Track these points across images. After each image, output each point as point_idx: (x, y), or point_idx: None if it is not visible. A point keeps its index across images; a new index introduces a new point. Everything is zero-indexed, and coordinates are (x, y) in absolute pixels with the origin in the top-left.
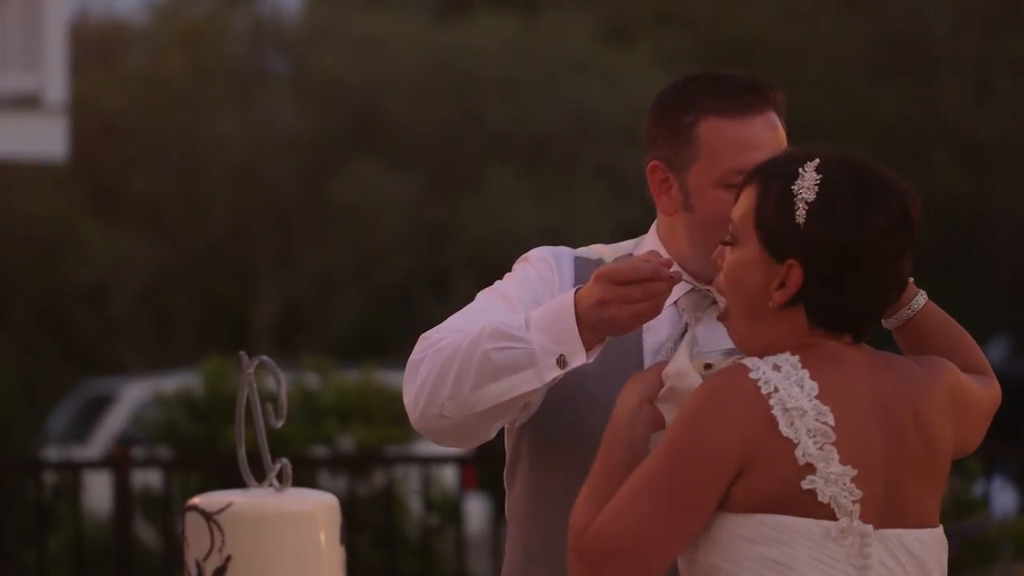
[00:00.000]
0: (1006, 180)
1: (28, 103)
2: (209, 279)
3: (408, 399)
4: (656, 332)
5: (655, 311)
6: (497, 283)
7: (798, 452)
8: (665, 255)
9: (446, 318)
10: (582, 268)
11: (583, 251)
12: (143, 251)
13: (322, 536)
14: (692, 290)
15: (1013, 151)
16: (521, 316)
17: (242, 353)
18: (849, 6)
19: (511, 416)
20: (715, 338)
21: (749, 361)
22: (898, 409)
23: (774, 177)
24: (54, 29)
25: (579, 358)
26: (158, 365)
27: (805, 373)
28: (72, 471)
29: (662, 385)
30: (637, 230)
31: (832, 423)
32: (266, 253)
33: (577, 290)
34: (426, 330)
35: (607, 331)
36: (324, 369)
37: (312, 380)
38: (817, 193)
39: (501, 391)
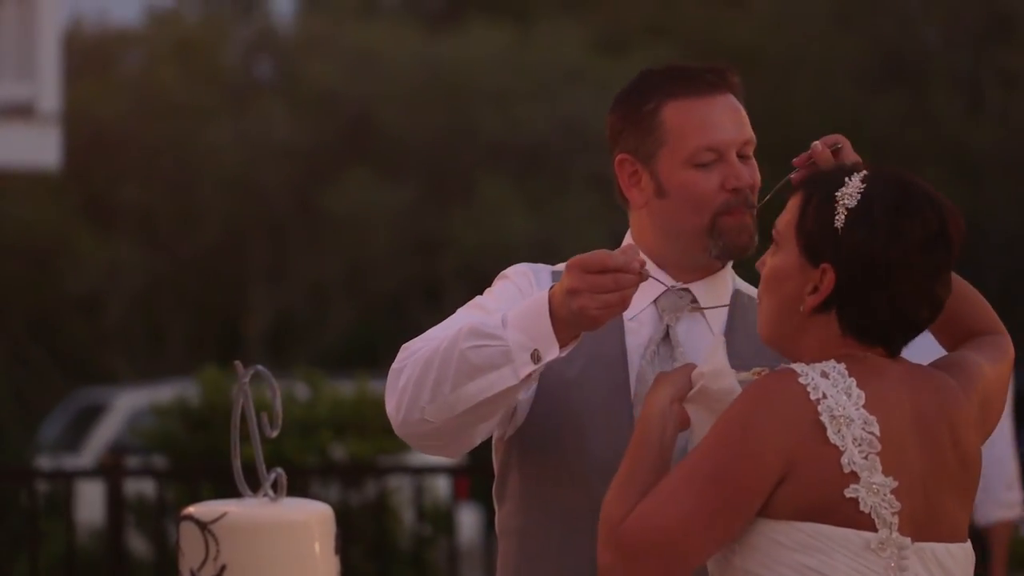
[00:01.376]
0: (998, 191)
1: (22, 112)
2: (202, 289)
3: (390, 406)
4: (637, 335)
5: (623, 303)
6: (477, 298)
7: (844, 460)
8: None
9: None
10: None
11: (561, 266)
12: (136, 260)
13: (316, 546)
14: (670, 289)
15: (1005, 163)
16: (498, 316)
17: (237, 363)
18: (842, 19)
19: (492, 420)
20: (695, 337)
21: (798, 366)
22: (936, 423)
23: (820, 184)
24: (48, 38)
25: (552, 351)
26: (150, 375)
27: (852, 381)
28: (64, 480)
29: (691, 386)
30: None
31: (878, 433)
32: (259, 263)
33: (552, 287)
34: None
35: (579, 323)
36: (315, 380)
37: (303, 391)
38: (859, 201)
39: (479, 390)
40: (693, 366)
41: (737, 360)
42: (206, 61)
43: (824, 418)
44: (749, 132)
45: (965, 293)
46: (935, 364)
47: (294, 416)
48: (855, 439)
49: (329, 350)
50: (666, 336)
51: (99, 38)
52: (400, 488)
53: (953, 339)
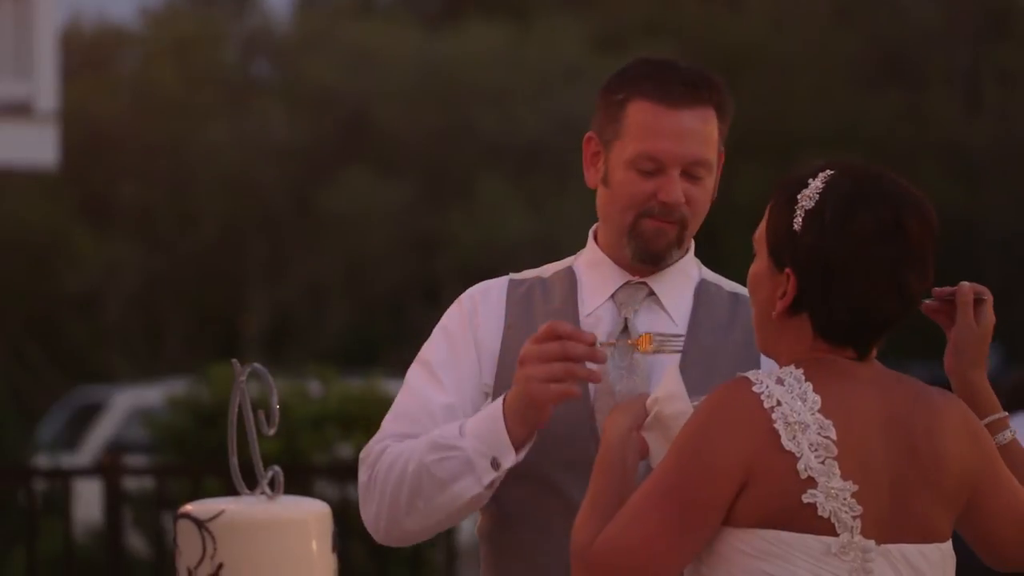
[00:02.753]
0: (995, 191)
1: (19, 111)
2: (200, 287)
3: (368, 522)
4: (595, 329)
5: (568, 375)
6: (423, 348)
7: (800, 466)
8: (595, 252)
9: (435, 325)
10: (513, 291)
11: (520, 274)
12: (134, 259)
13: (314, 544)
14: (627, 283)
15: (1002, 162)
16: (456, 424)
17: (234, 361)
18: (839, 17)
19: (474, 510)
20: (656, 329)
21: (753, 374)
22: (908, 424)
23: (785, 187)
24: (45, 37)
25: (509, 458)
26: (148, 373)
27: (809, 386)
28: (62, 479)
29: (646, 414)
30: None
31: (834, 437)
32: (257, 261)
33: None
34: (417, 338)
35: (527, 403)
36: (328, 376)
37: (315, 388)
38: (815, 203)
39: (449, 500)
40: (647, 395)
41: (704, 350)
42: (204, 60)
43: (778, 425)
44: (702, 153)
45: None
46: None
47: (308, 412)
48: (811, 444)
49: (327, 348)
50: (624, 329)
51: (97, 37)
52: None
53: None
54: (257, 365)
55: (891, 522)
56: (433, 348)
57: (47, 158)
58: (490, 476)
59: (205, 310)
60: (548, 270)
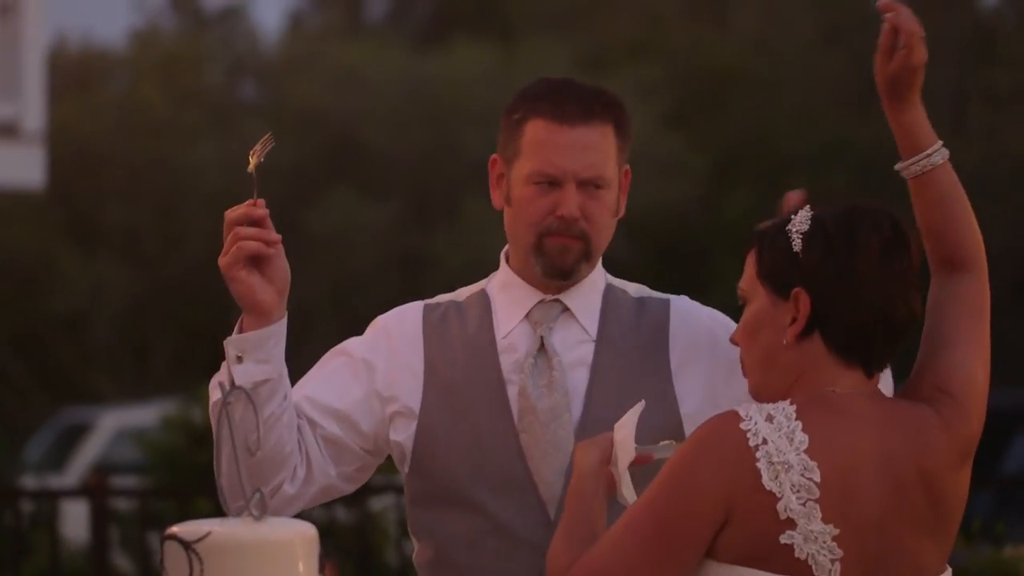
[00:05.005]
0: (983, 211)
1: (6, 132)
2: (186, 308)
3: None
4: (514, 352)
5: (240, 252)
6: (311, 371)
7: (780, 506)
8: (507, 274)
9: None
10: (429, 314)
11: (435, 299)
12: (120, 279)
13: (300, 566)
14: (541, 301)
15: (989, 182)
16: None
17: (221, 382)
18: (825, 38)
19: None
20: (569, 346)
21: (743, 408)
22: (902, 465)
23: (769, 228)
24: (32, 58)
25: (236, 343)
26: (135, 394)
27: (798, 425)
28: (49, 499)
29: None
30: (615, 259)
31: (818, 479)
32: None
33: None
34: None
35: (235, 295)
36: None
37: None
38: (810, 224)
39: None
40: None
41: (615, 353)
42: (190, 81)
43: (761, 464)
44: (597, 168)
45: (955, 214)
46: (920, 382)
47: None
48: (793, 485)
49: (312, 366)
50: (541, 347)
51: (83, 58)
52: (387, 506)
53: (933, 254)
54: (243, 387)
55: (878, 564)
56: (312, 375)
57: (34, 179)
58: (235, 368)
59: (191, 330)
60: (462, 294)
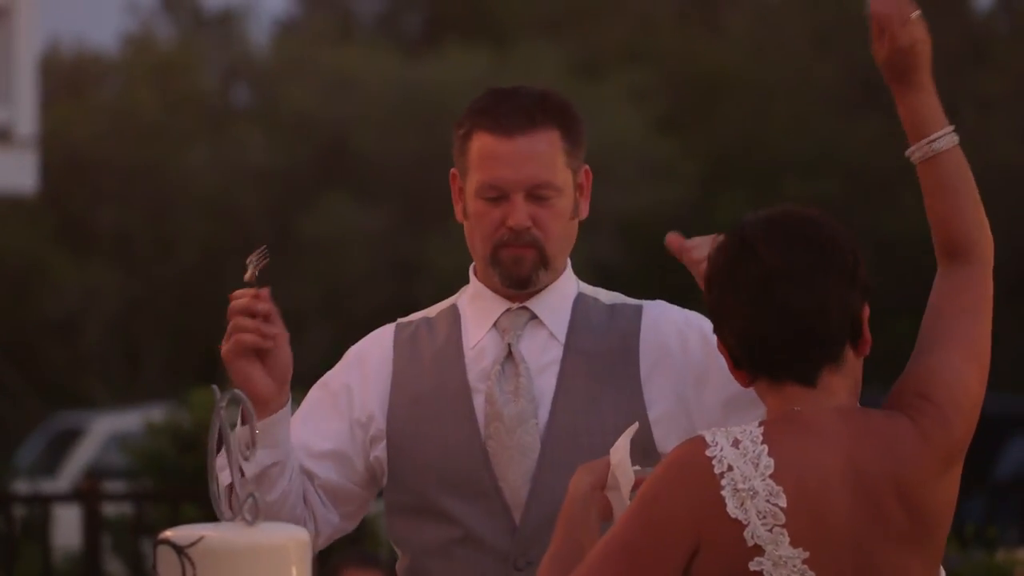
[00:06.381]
0: None
1: None
2: (178, 312)
3: None
4: (481, 360)
5: (239, 345)
6: (304, 403)
7: (747, 534)
8: (475, 285)
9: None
10: (400, 333)
11: (408, 317)
12: (112, 284)
13: (293, 570)
14: (508, 310)
15: (981, 188)
16: None
17: (214, 387)
18: (818, 44)
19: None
20: (537, 353)
21: (709, 434)
22: (875, 480)
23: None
24: (25, 63)
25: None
26: (127, 398)
27: (763, 449)
28: (41, 504)
29: (607, 474)
30: (608, 264)
31: (783, 504)
32: (236, 286)
33: None
34: None
35: (236, 381)
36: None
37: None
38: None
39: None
40: (610, 456)
41: (583, 359)
42: (183, 85)
43: (726, 492)
44: (543, 176)
45: (961, 204)
46: (904, 388)
47: None
48: (759, 512)
49: (306, 373)
50: (509, 355)
51: (76, 62)
52: (379, 514)
53: (937, 241)
54: (237, 391)
55: None
56: (304, 409)
57: (26, 183)
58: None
59: (184, 335)
60: (434, 310)
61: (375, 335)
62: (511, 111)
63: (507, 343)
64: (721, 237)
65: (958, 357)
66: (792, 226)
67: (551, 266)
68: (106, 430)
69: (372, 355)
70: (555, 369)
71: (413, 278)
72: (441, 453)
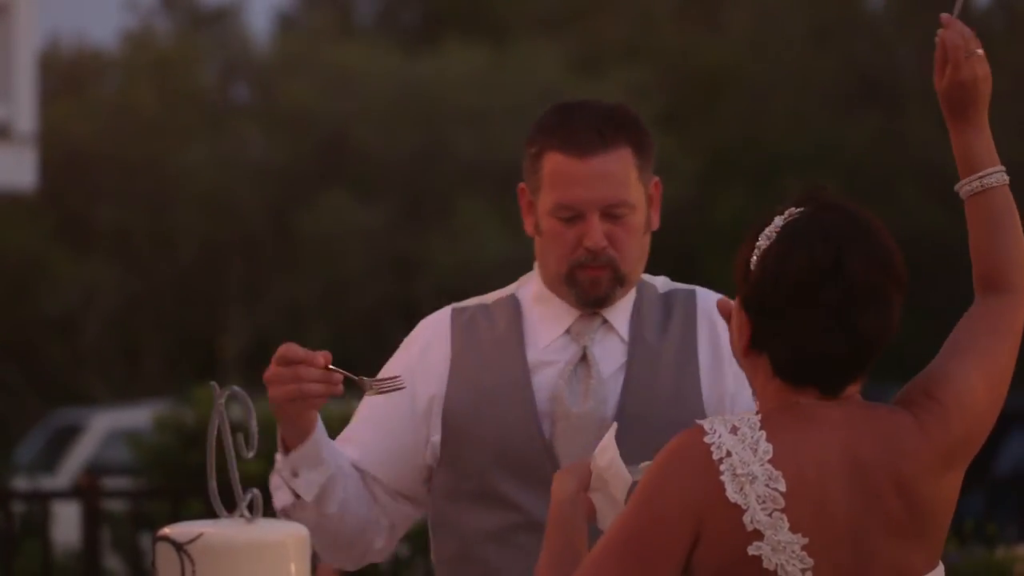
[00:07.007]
0: None
1: None
2: (178, 309)
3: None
4: (551, 359)
5: (301, 395)
6: (359, 408)
7: (746, 518)
8: (541, 287)
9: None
10: (457, 317)
11: (463, 302)
12: (112, 281)
13: (292, 567)
14: (582, 316)
15: None
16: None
17: (213, 384)
18: (817, 40)
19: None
20: (611, 359)
21: (707, 422)
22: (874, 472)
23: (759, 221)
24: (24, 59)
25: (288, 462)
26: (126, 395)
27: (762, 435)
28: (41, 501)
29: (590, 475)
30: None
31: (783, 489)
32: (235, 283)
33: None
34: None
35: (280, 416)
36: None
37: None
38: (771, 241)
39: (286, 513)
40: (591, 459)
41: (646, 350)
42: (182, 82)
43: (725, 477)
44: (618, 195)
45: (997, 230)
46: (913, 387)
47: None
48: (759, 496)
49: None
50: (584, 358)
51: (75, 59)
52: None
53: (976, 275)
54: (236, 388)
55: (853, 571)
56: (358, 420)
57: (26, 180)
58: (293, 483)
59: (183, 332)
60: (490, 298)
61: (430, 320)
62: (583, 129)
63: (582, 346)
64: (789, 219)
65: (973, 367)
66: (879, 249)
67: (627, 282)
68: (105, 427)
69: (428, 340)
70: (621, 365)
71: (412, 274)
72: (500, 439)
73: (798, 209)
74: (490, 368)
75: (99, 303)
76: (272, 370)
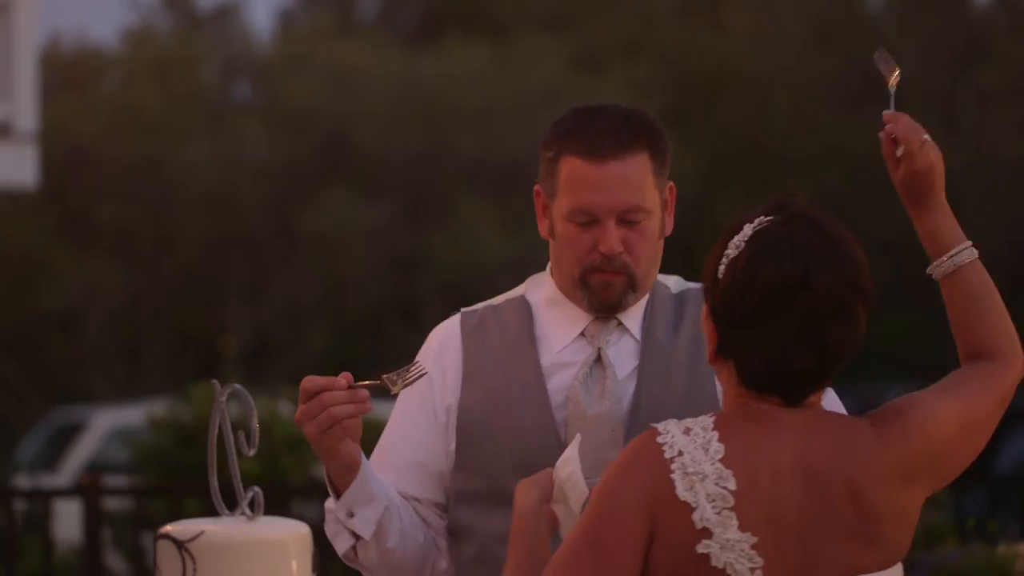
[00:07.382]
0: (973, 211)
1: None
2: (179, 307)
3: None
4: (566, 361)
5: (333, 419)
6: (393, 413)
7: (695, 516)
8: (554, 290)
9: (415, 346)
10: (466, 321)
11: (472, 307)
12: (113, 279)
13: (294, 565)
14: (596, 318)
15: (980, 183)
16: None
17: (214, 382)
18: (818, 38)
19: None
20: (625, 360)
21: (661, 425)
22: (826, 476)
23: (729, 228)
24: (25, 57)
25: (341, 504)
26: (128, 393)
27: (714, 435)
28: (42, 499)
29: (552, 487)
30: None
31: (732, 487)
32: (236, 281)
33: None
34: (396, 358)
35: (327, 460)
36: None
37: (287, 409)
38: (739, 251)
39: (347, 556)
40: (551, 470)
41: (659, 350)
42: (184, 80)
43: (676, 475)
44: (634, 200)
45: (983, 317)
46: (889, 405)
47: (288, 433)
48: (708, 495)
49: (306, 368)
50: (599, 360)
51: (77, 57)
52: None
53: (961, 351)
54: (237, 386)
55: (803, 572)
56: (394, 422)
57: (27, 178)
58: (352, 525)
59: (185, 330)
60: (499, 300)
61: (441, 328)
62: (600, 133)
63: (597, 348)
64: (749, 233)
65: (948, 403)
66: (846, 264)
67: (640, 288)
68: (107, 425)
69: (439, 347)
70: (635, 366)
71: (414, 273)
72: (516, 441)
73: (767, 218)
74: (503, 371)
75: (100, 301)
76: (300, 409)
